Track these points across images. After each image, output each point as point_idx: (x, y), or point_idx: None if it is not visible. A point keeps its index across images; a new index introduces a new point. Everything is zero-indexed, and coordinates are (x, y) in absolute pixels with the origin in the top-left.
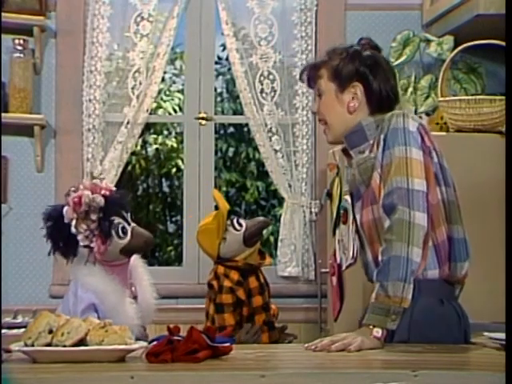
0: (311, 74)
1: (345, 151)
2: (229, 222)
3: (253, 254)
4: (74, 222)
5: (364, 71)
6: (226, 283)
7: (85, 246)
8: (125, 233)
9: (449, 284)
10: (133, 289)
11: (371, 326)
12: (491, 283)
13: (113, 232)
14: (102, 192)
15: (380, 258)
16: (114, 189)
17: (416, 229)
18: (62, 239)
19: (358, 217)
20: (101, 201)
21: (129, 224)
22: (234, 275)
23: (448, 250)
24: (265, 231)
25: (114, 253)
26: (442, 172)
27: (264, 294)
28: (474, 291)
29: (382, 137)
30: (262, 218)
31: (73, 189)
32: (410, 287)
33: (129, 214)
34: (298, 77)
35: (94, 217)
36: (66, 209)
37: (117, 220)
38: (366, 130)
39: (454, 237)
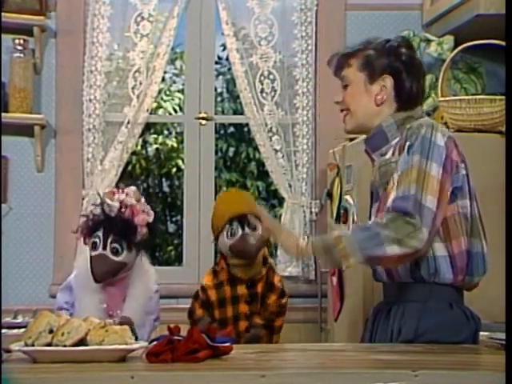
0: (341, 62)
1: (367, 151)
2: (227, 227)
3: (243, 265)
4: None
5: (398, 66)
6: (204, 280)
7: None
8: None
9: (458, 290)
10: (115, 313)
11: (305, 239)
12: (491, 283)
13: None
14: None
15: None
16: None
17: (419, 238)
18: None
19: (373, 218)
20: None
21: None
22: (223, 275)
23: (466, 262)
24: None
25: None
26: (469, 184)
27: (253, 304)
28: (475, 292)
29: (408, 144)
30: (258, 237)
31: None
32: (360, 261)
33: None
34: (297, 77)
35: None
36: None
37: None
38: (386, 131)
39: (473, 251)
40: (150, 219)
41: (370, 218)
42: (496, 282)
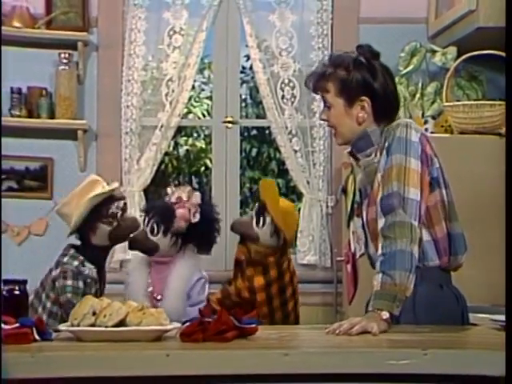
0: (317, 86)
1: (351, 153)
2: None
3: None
4: None
5: (370, 85)
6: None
7: None
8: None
9: (446, 272)
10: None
11: (378, 311)
12: (489, 273)
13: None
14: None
15: (380, 252)
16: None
17: (416, 230)
18: None
19: (364, 213)
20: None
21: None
22: None
23: (448, 244)
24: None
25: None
26: (443, 175)
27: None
28: (473, 278)
29: (386, 144)
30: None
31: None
32: (413, 278)
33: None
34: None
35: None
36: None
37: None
38: (371, 136)
39: (454, 232)
40: (192, 219)
41: (361, 212)
42: (492, 271)
